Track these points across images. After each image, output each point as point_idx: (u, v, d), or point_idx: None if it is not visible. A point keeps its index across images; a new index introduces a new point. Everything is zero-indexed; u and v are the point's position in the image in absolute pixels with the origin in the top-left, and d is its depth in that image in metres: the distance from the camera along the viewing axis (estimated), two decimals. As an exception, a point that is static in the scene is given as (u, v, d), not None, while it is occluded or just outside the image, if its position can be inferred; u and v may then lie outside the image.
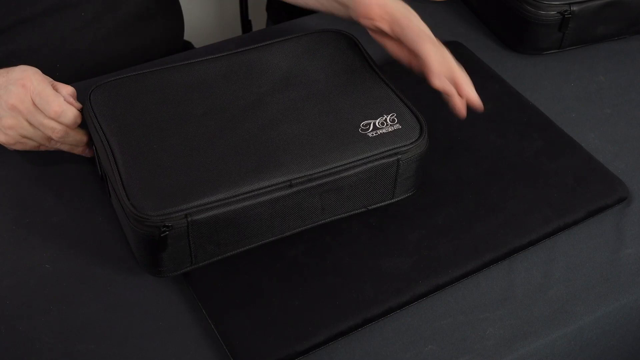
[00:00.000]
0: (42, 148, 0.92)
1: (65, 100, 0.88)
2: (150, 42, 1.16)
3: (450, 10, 1.21)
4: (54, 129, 0.88)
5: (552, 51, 1.13)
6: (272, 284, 0.82)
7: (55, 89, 0.89)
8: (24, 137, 0.89)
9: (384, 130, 0.85)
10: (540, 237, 0.88)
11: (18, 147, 0.91)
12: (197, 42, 1.33)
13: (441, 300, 0.83)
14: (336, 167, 0.82)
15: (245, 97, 0.88)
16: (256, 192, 0.79)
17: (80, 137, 0.91)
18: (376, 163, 0.83)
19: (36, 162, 0.95)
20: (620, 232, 0.90)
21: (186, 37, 1.30)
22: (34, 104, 0.87)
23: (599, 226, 0.91)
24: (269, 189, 0.80)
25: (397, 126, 0.86)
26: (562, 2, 1.07)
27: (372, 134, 0.85)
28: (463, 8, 1.21)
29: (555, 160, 0.96)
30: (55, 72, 1.07)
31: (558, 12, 1.08)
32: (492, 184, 0.93)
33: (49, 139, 0.90)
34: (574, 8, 1.07)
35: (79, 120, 0.89)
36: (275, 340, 0.78)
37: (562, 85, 1.09)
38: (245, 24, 1.61)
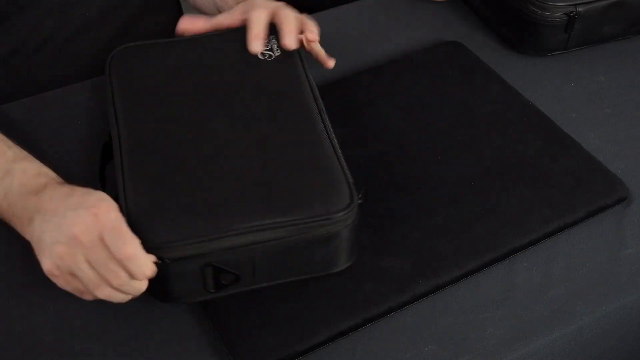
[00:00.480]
0: (85, 296, 0.77)
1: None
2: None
3: (450, 11, 1.21)
4: (117, 274, 0.73)
5: (558, 52, 1.12)
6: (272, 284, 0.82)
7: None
8: (72, 274, 0.75)
9: None
10: (540, 237, 0.88)
11: (59, 281, 0.76)
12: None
13: (441, 300, 0.83)
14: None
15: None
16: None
17: (140, 288, 0.75)
18: None
19: (36, 162, 0.95)
20: (620, 232, 0.90)
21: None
22: (102, 240, 0.72)
23: (599, 226, 0.91)
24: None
25: None
26: (568, 3, 1.06)
27: None
28: (463, 8, 1.21)
29: (555, 160, 0.96)
30: (59, 71, 1.07)
31: (564, 13, 1.07)
32: (492, 184, 0.93)
33: (102, 285, 0.74)
34: (580, 9, 1.07)
35: (149, 274, 0.74)
36: (275, 340, 0.78)
37: (562, 85, 1.09)
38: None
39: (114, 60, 0.93)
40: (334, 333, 0.79)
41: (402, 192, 0.91)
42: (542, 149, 0.97)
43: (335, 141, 0.83)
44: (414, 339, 0.80)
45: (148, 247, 0.73)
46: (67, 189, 0.78)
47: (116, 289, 0.74)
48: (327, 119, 0.86)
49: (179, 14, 1.24)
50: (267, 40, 0.93)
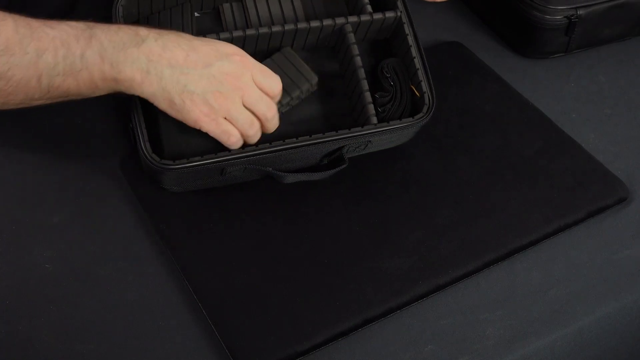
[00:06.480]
0: (231, 140, 0.83)
1: None
2: None
3: (451, 11, 1.21)
4: (271, 107, 0.83)
5: (559, 55, 1.12)
6: (272, 284, 0.83)
7: None
8: (227, 117, 0.82)
9: None
10: (540, 237, 0.89)
11: (210, 126, 0.82)
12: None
13: (441, 301, 0.83)
14: None
15: None
16: None
17: (277, 122, 0.86)
18: None
19: (36, 162, 0.95)
20: (620, 232, 0.91)
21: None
22: (253, 81, 0.82)
23: (599, 226, 0.91)
24: None
25: None
26: (569, 7, 1.06)
27: None
28: (464, 9, 1.21)
29: (555, 161, 0.96)
30: None
31: (565, 17, 1.07)
32: (492, 184, 0.93)
33: (255, 121, 0.83)
34: (581, 12, 1.06)
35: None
36: (275, 340, 0.78)
37: (563, 85, 1.09)
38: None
39: None
40: (334, 333, 0.79)
41: (402, 192, 0.92)
42: (542, 149, 0.97)
43: None
44: (414, 339, 0.80)
45: None
46: (183, 39, 0.81)
47: (264, 127, 0.84)
48: None
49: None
50: None
